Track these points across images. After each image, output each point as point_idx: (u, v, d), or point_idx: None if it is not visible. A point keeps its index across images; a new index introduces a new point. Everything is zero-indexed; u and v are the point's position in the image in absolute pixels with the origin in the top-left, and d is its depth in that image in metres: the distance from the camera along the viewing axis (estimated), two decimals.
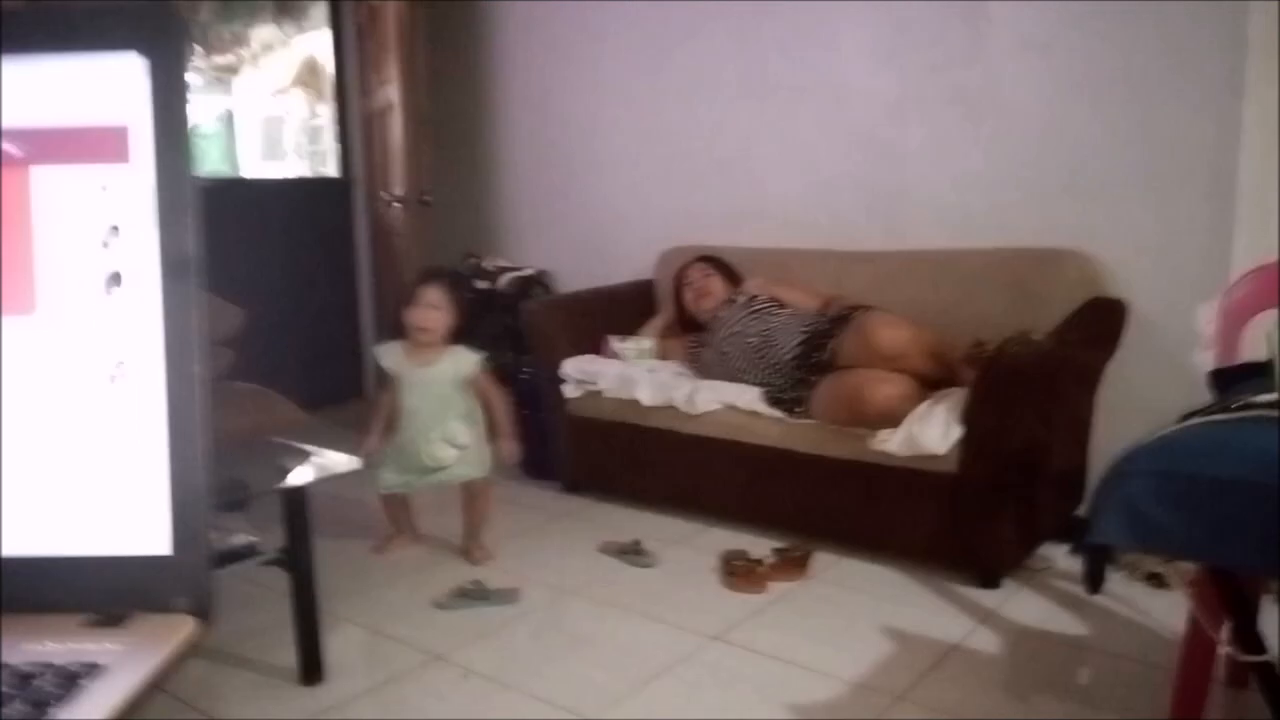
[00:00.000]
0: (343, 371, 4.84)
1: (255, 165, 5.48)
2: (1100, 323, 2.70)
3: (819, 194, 3.42)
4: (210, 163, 5.35)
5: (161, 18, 0.52)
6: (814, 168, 3.42)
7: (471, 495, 2.80)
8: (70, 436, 0.56)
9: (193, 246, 0.54)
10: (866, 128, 3.28)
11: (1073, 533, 2.55)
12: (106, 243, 0.54)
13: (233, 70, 5.48)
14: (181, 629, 0.57)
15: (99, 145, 0.54)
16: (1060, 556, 2.64)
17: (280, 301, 4.49)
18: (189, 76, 0.55)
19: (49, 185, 0.54)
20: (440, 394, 2.68)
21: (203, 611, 0.58)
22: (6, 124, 0.54)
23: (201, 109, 5.36)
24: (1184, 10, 2.63)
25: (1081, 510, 2.68)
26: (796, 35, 3.39)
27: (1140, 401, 2.65)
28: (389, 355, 2.70)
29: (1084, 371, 2.66)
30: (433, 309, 2.66)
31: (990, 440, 2.41)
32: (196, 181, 0.55)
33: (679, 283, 3.40)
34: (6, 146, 0.53)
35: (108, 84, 0.54)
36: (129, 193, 0.54)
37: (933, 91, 3.13)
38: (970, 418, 2.44)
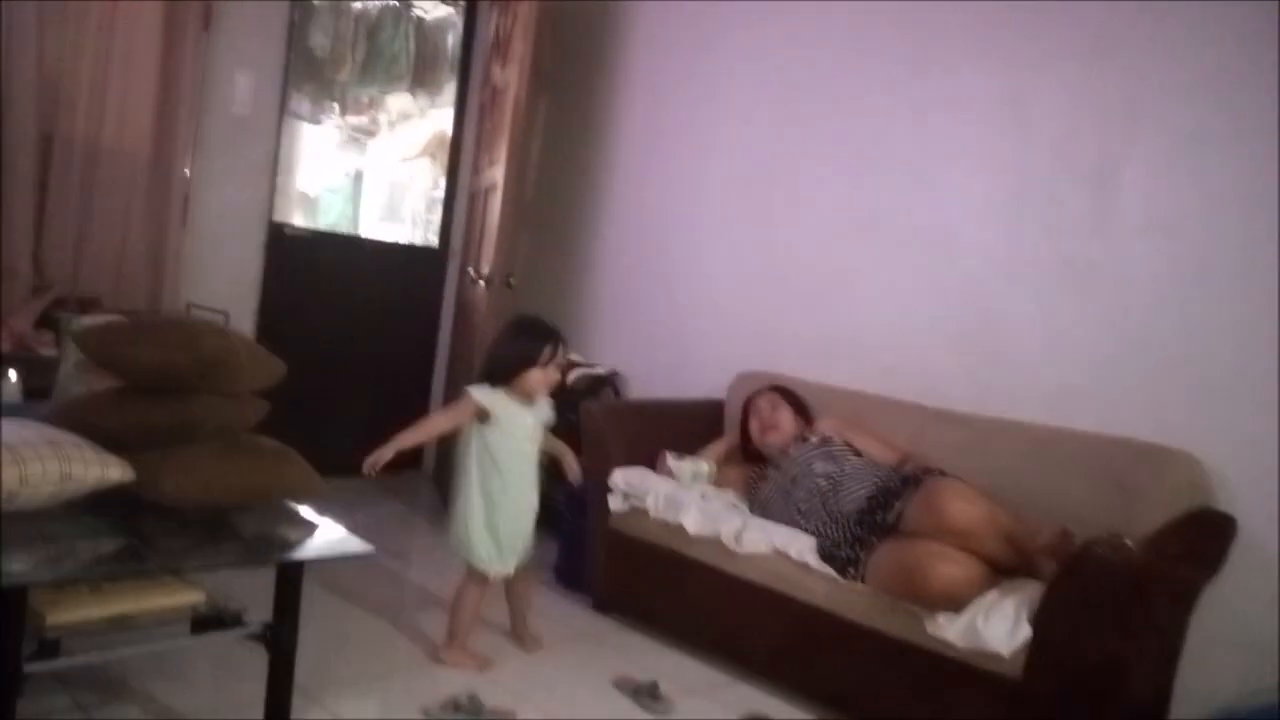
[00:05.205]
0: None
1: (373, 225, 5.61)
2: (1203, 537, 2.42)
3: (910, 342, 3.23)
4: (334, 215, 5.50)
5: None
6: (908, 314, 3.25)
7: (518, 581, 2.73)
8: None
9: None
10: (970, 282, 3.11)
11: None
12: None
13: (369, 133, 5.66)
14: None
15: None
16: None
17: (358, 359, 4.48)
18: None
19: None
20: (536, 438, 2.62)
21: None
22: None
23: (335, 165, 5.53)
24: None
25: None
26: (910, 178, 3.26)
27: (1238, 632, 2.40)
28: (488, 396, 2.54)
29: (1179, 589, 2.37)
30: (559, 370, 2.61)
31: (1064, 649, 2.14)
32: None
33: (746, 410, 3.22)
34: None
35: None
36: None
37: (1046, 256, 2.94)
38: (1044, 619, 2.17)
